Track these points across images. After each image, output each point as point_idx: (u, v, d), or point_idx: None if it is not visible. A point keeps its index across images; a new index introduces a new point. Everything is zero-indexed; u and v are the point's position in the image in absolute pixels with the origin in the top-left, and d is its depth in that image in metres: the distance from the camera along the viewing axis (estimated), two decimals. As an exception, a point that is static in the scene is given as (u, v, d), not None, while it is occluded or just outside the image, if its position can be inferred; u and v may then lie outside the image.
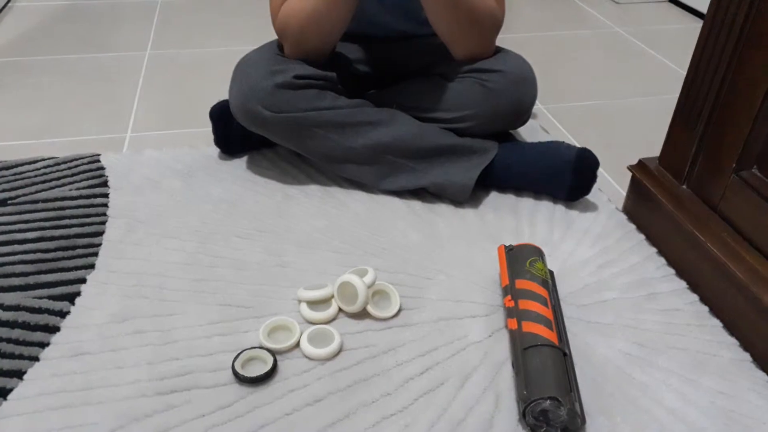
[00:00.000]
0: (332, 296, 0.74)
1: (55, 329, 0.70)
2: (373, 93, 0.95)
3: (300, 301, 0.74)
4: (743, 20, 0.70)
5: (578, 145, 0.92)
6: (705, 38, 0.76)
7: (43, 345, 0.68)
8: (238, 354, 0.67)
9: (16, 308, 0.72)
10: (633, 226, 0.90)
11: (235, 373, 0.65)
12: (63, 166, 0.97)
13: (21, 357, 0.67)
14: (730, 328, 0.74)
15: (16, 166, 0.96)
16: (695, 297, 0.78)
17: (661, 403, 0.64)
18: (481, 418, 0.62)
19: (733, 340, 0.72)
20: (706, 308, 0.76)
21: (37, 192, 0.91)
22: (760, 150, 0.71)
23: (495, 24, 0.90)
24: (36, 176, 0.94)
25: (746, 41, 0.71)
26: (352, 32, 0.96)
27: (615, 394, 0.65)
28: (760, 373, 0.69)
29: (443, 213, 0.91)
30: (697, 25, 0.74)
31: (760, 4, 0.68)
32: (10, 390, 0.63)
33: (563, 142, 0.94)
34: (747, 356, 0.70)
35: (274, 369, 0.65)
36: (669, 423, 0.62)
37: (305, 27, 0.87)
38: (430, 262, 0.82)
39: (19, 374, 0.65)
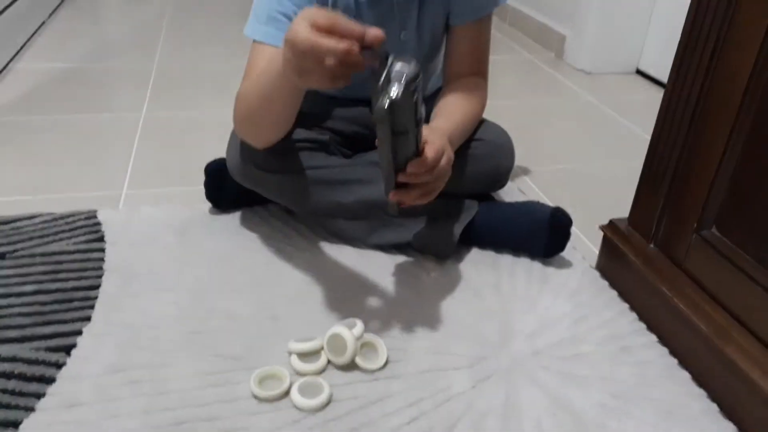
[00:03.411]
0: (322, 348, 0.77)
1: (50, 380, 0.72)
2: (363, 154, 1.01)
3: (290, 353, 0.76)
4: (698, 92, 0.77)
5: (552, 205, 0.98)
6: (665, 108, 0.84)
7: (39, 396, 0.70)
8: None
9: (13, 360, 0.74)
10: (606, 283, 0.95)
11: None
12: (60, 222, 1.00)
13: (17, 407, 0.68)
14: (698, 379, 0.78)
15: (15, 221, 0.99)
16: (665, 350, 0.82)
17: (635, 451, 0.68)
18: (465, 465, 0.65)
19: (701, 391, 0.76)
20: (675, 360, 0.81)
21: (34, 246, 0.94)
22: (717, 211, 0.77)
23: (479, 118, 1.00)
24: (34, 231, 0.97)
25: (702, 111, 0.78)
26: (345, 96, 1.02)
27: (592, 442, 0.68)
28: (728, 423, 0.72)
29: (427, 268, 0.95)
30: (662, 95, 0.82)
31: (713, 79, 0.76)
32: (6, 440, 0.64)
33: (538, 201, 1.00)
34: (714, 407, 0.74)
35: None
36: (643, 470, 0.66)
37: (253, 112, 0.85)
38: (415, 315, 0.86)
39: (15, 425, 0.66)
